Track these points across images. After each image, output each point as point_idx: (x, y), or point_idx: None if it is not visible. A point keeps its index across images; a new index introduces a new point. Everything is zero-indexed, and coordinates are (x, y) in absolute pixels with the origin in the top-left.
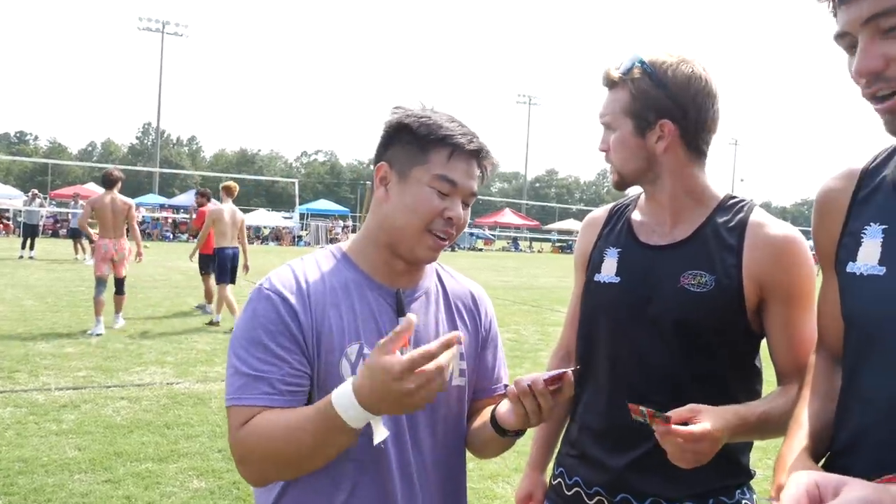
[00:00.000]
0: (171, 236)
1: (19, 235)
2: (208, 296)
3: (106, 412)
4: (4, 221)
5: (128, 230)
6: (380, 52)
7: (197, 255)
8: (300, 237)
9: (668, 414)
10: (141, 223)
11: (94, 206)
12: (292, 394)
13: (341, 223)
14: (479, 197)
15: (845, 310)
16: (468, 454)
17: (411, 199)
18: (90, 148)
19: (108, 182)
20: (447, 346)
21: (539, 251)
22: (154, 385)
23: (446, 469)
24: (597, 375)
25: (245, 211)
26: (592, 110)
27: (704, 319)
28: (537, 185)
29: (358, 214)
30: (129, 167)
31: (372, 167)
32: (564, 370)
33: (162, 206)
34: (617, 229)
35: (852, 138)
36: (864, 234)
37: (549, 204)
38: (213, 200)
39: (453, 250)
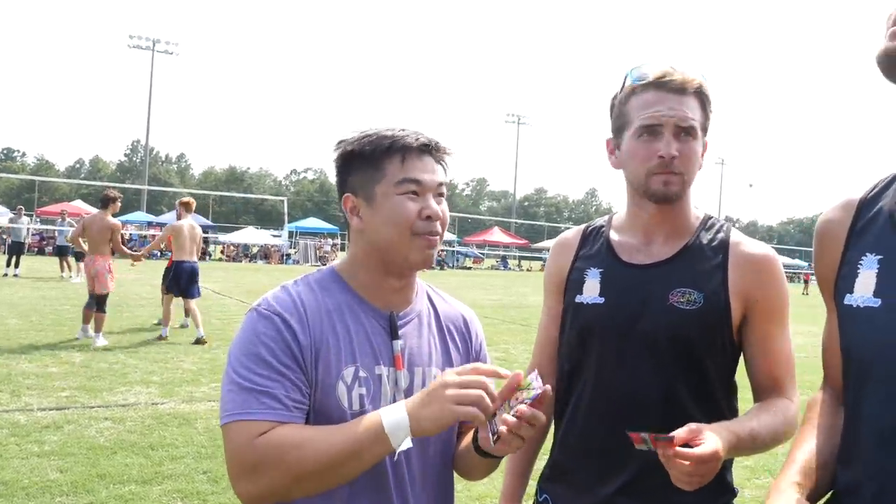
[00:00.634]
0: (159, 254)
1: (4, 253)
2: (187, 312)
3: (89, 433)
4: None
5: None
6: (369, 72)
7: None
8: (289, 255)
9: (671, 435)
10: (128, 241)
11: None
12: (299, 409)
13: (330, 241)
14: (468, 216)
15: (843, 342)
16: (455, 476)
17: (387, 213)
18: (78, 165)
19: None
20: (496, 375)
21: (528, 270)
22: (139, 405)
23: (437, 486)
24: (581, 398)
25: (234, 229)
26: (580, 130)
27: (695, 336)
28: (526, 203)
29: (347, 233)
30: (118, 184)
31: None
32: (542, 388)
33: (150, 224)
34: (595, 249)
35: (840, 157)
36: (861, 264)
37: (537, 223)
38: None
39: (442, 269)
